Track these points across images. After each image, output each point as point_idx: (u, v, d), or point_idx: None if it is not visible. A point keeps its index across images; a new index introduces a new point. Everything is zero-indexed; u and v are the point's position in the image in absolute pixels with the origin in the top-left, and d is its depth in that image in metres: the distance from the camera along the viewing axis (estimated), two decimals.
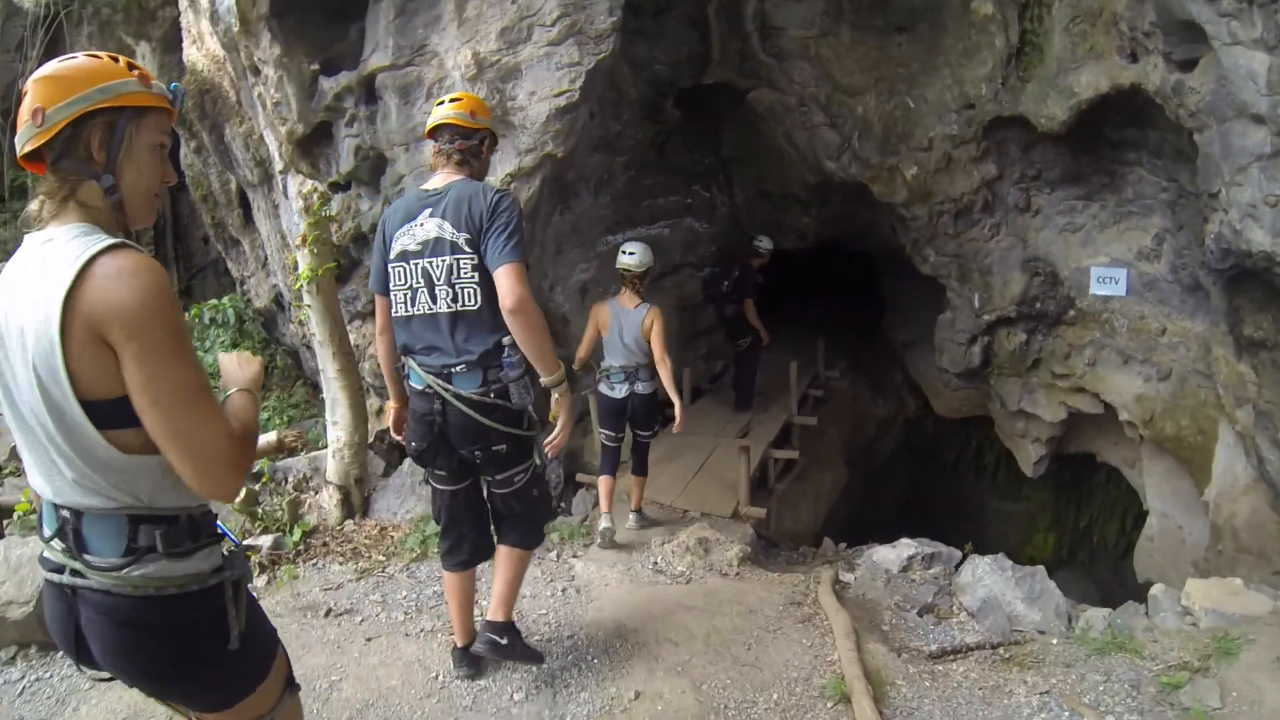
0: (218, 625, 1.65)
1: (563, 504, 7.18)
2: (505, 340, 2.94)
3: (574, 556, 5.50)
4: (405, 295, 3.04)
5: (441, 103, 3.16)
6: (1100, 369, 7.28)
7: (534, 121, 5.61)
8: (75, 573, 1.58)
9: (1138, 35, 5.61)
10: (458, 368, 2.98)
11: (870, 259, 10.41)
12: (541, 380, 2.98)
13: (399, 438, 3.34)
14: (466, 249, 2.91)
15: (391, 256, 3.06)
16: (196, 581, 1.62)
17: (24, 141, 1.56)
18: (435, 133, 3.13)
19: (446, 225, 2.93)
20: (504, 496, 3.26)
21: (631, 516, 6.04)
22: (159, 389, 1.43)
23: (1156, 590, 4.99)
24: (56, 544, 1.60)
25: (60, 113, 1.52)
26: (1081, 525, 9.45)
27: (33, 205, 1.60)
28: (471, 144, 3.12)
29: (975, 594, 5.24)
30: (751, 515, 6.46)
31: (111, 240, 1.49)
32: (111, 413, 1.47)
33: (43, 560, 1.65)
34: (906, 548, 6.28)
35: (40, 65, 1.62)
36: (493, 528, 3.44)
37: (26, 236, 1.59)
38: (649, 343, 5.25)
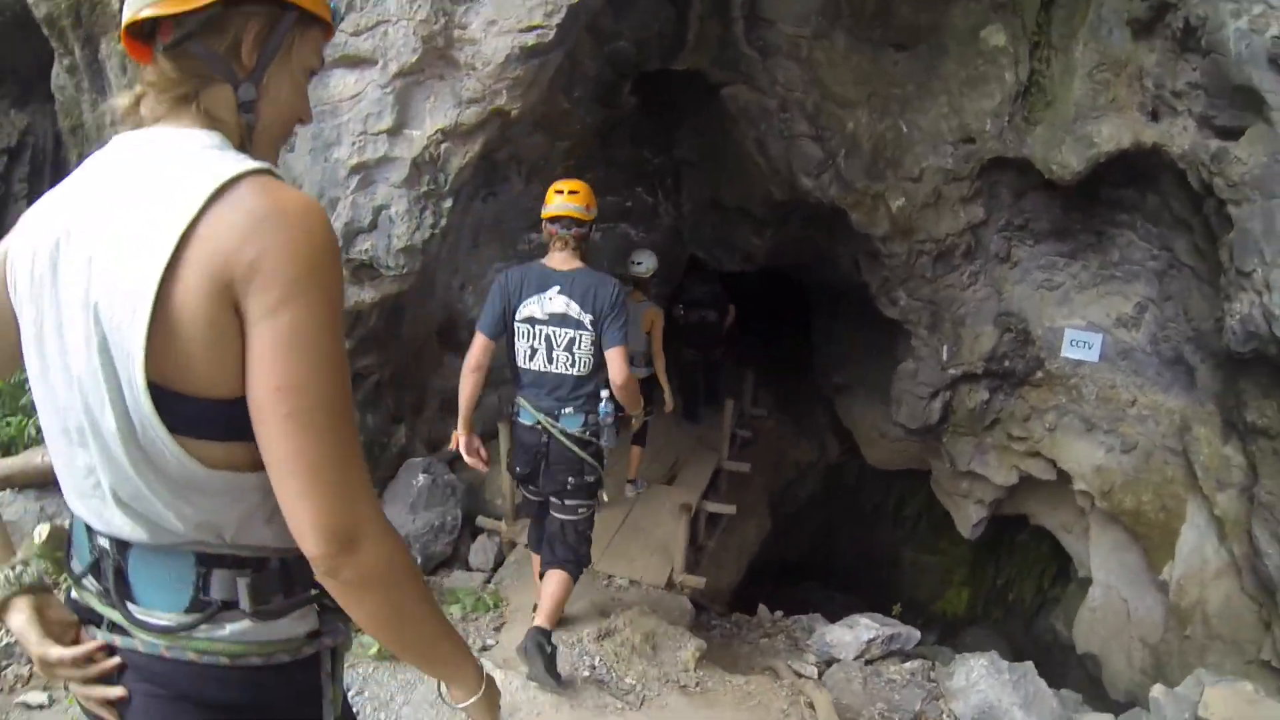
0: (308, 708, 1.27)
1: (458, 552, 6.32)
2: (603, 393, 3.92)
3: (483, 649, 4.68)
4: (526, 352, 3.88)
5: (560, 192, 3.88)
6: (1060, 435, 7.29)
7: (487, 61, 4.69)
8: (115, 626, 1.22)
9: (1164, 94, 5.56)
10: (565, 410, 3.86)
11: (802, 289, 10.13)
12: (631, 413, 4.08)
13: (468, 459, 3.93)
14: (590, 329, 3.78)
15: (518, 318, 3.84)
16: (287, 650, 1.25)
17: (149, 2, 1.16)
18: (554, 220, 3.87)
19: (574, 305, 3.78)
20: (564, 523, 4.07)
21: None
22: (309, 394, 1.06)
23: (1159, 693, 4.98)
24: (90, 583, 1.25)
25: None
26: (999, 583, 9.68)
27: (123, 99, 1.23)
28: (584, 231, 3.91)
29: (969, 700, 5.01)
30: (690, 585, 5.92)
31: (257, 163, 1.11)
32: (201, 417, 1.08)
33: (70, 604, 1.30)
34: (865, 629, 6.07)
35: None
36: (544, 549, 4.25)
37: (116, 137, 1.21)
38: (646, 336, 6.36)
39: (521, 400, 3.95)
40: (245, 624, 1.20)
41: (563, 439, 3.86)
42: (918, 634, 6.18)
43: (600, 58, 6.44)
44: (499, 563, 6.13)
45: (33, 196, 8.77)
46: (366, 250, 4.93)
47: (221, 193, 1.05)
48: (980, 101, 6.24)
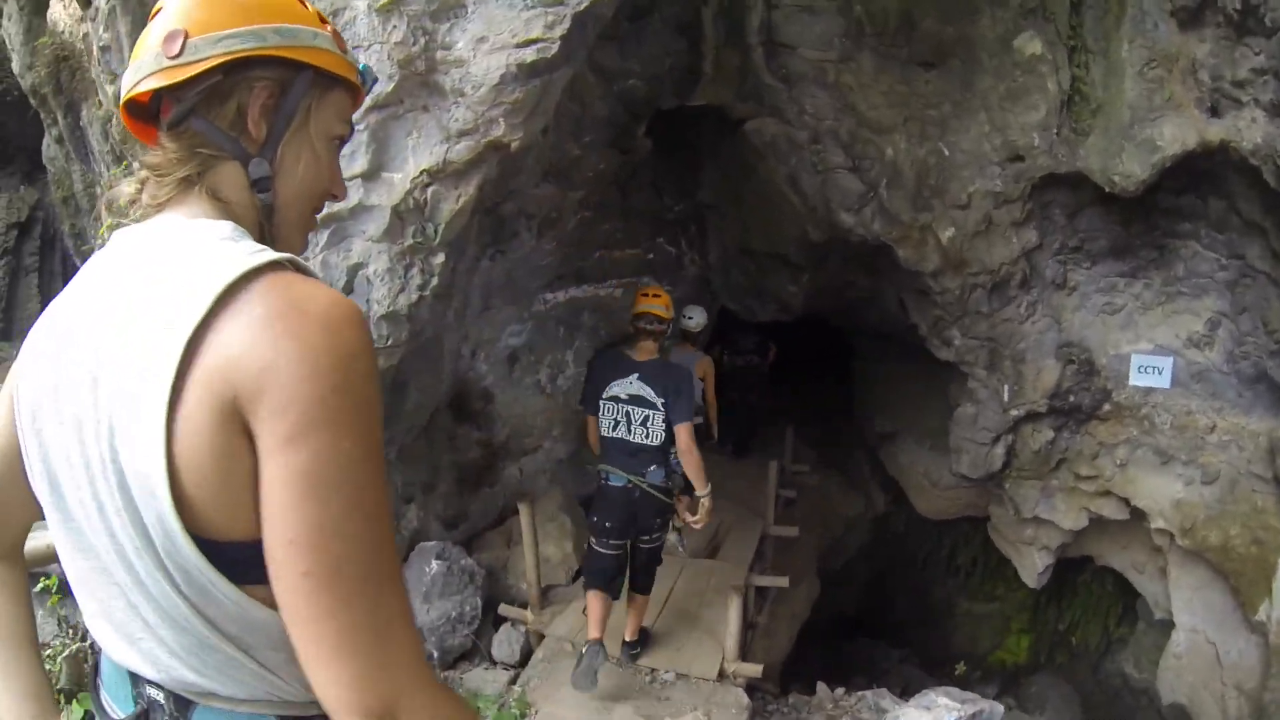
0: None
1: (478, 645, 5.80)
2: (673, 456, 4.77)
3: None
4: (609, 424, 4.75)
5: (646, 295, 4.93)
6: (1133, 470, 6.87)
7: (478, 85, 4.13)
8: None
9: (1223, 86, 5.27)
10: (651, 469, 4.72)
11: (839, 333, 9.87)
12: (697, 492, 4.69)
13: None
14: (661, 409, 4.63)
15: (604, 396, 4.74)
16: None
17: (141, 77, 1.06)
18: (641, 317, 4.81)
19: (649, 389, 4.64)
20: (649, 550, 5.01)
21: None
22: (334, 549, 0.86)
23: None
24: None
25: (213, 46, 1.04)
26: (1062, 627, 9.33)
27: (127, 186, 1.10)
28: (664, 328, 4.85)
29: None
30: (744, 674, 5.40)
31: (276, 254, 0.95)
32: (242, 560, 0.91)
33: None
34: (946, 710, 5.56)
35: None
36: (629, 576, 5.09)
37: (116, 233, 1.08)
38: (700, 382, 6.72)
39: (609, 467, 4.80)
40: None
41: (651, 490, 4.77)
42: (1001, 709, 5.69)
43: (610, 98, 6.14)
44: (525, 656, 5.68)
45: (43, 270, 9.05)
46: None
47: (230, 295, 0.90)
48: (1024, 115, 5.95)
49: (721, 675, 5.28)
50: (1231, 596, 6.57)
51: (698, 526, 4.87)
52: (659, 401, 4.62)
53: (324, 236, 4.20)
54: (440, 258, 4.52)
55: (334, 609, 0.88)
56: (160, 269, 0.96)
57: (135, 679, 1.07)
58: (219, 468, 0.88)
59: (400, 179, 4.21)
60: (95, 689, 1.15)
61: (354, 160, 4.12)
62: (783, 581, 6.87)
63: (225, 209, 1.07)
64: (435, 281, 4.55)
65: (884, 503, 9.87)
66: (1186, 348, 6.41)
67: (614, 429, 4.73)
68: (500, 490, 7.11)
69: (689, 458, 4.59)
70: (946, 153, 6.21)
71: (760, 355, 9.10)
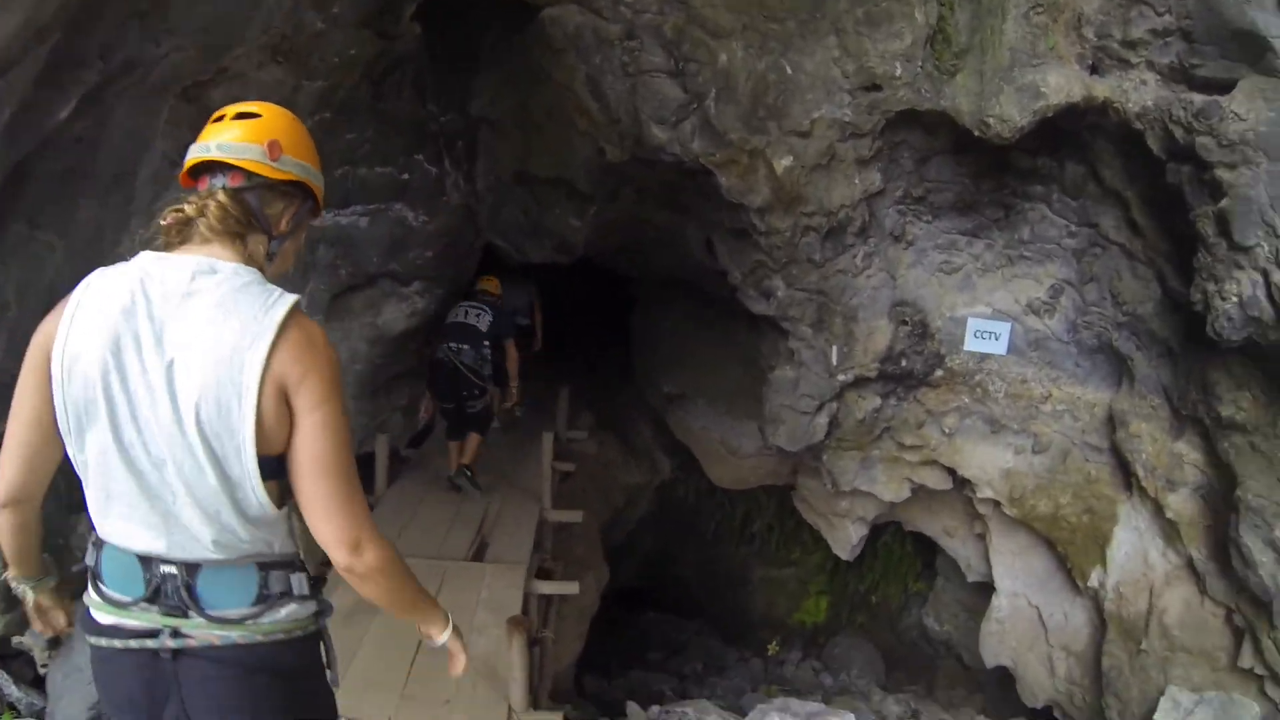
0: (322, 665, 1.96)
1: None
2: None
3: None
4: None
5: (483, 279, 7.23)
6: (960, 439, 6.82)
7: None
8: (177, 633, 1.74)
9: (1109, 45, 5.04)
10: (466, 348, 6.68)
11: (617, 281, 9.21)
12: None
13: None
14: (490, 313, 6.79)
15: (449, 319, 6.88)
16: (313, 623, 1.90)
17: (241, 156, 1.77)
18: (481, 293, 7.11)
19: (484, 307, 6.80)
20: (473, 414, 6.73)
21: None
22: (334, 459, 1.73)
23: None
24: (146, 606, 1.76)
25: (296, 166, 1.84)
26: (862, 588, 9.73)
27: (189, 207, 1.76)
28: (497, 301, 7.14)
29: None
30: None
31: (293, 297, 1.75)
32: (273, 467, 1.73)
33: (115, 630, 1.77)
34: None
35: None
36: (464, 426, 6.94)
37: (148, 255, 1.74)
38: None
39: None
40: (293, 606, 1.83)
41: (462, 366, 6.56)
42: (851, 716, 5.62)
43: None
44: None
45: None
46: None
47: (283, 328, 1.67)
48: (885, 43, 5.36)
49: None
50: (1054, 563, 6.84)
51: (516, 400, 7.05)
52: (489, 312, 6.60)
53: None
54: None
55: (330, 488, 1.72)
56: (228, 295, 1.68)
57: (147, 564, 1.74)
58: (278, 417, 1.67)
59: None
60: (97, 585, 1.80)
61: None
62: (573, 587, 5.99)
63: (249, 259, 1.79)
64: None
65: (669, 469, 9.48)
66: (1026, 314, 6.31)
67: (453, 316, 6.62)
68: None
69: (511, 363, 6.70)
70: (789, 71, 5.44)
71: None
